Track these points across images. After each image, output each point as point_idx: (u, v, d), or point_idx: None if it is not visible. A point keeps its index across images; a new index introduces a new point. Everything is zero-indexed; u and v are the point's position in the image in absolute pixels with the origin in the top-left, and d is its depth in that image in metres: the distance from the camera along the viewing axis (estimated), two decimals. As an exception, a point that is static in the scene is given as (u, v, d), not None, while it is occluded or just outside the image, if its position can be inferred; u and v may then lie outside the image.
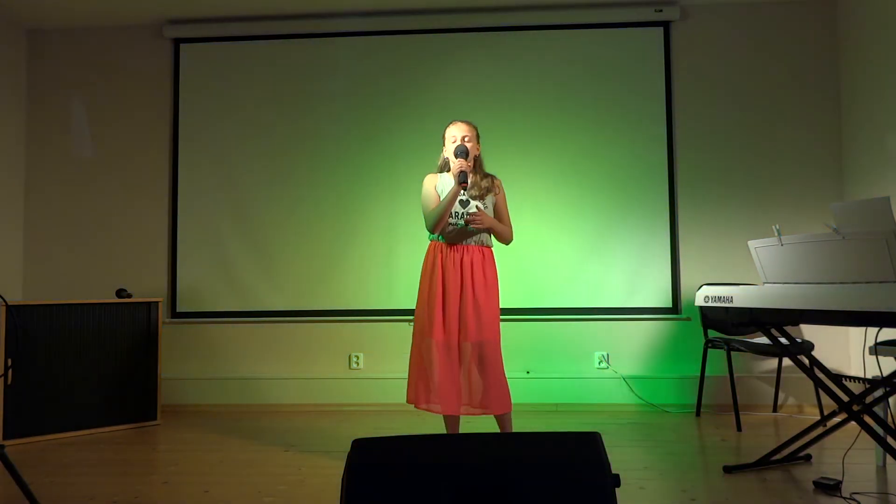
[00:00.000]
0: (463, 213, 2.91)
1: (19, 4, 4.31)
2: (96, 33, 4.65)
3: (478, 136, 3.03)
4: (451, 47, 4.48)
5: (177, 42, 4.61)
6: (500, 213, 3.05)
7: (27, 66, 4.67)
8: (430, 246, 2.99)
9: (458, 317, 2.85)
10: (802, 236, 2.51)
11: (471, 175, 2.92)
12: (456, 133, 2.96)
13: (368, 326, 4.38)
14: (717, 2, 4.33)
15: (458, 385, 2.84)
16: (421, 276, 2.99)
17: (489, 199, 2.99)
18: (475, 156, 3.00)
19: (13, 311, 3.56)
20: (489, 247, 2.99)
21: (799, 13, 4.31)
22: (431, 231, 2.96)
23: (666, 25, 4.38)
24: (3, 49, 4.49)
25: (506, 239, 3.06)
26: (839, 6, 4.25)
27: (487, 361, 2.84)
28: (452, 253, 2.91)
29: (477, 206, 2.93)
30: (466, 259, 2.90)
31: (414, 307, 2.99)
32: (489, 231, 2.98)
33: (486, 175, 3.03)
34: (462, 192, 2.91)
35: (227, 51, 4.58)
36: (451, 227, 2.92)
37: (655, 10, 4.31)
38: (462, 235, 2.92)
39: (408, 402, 2.91)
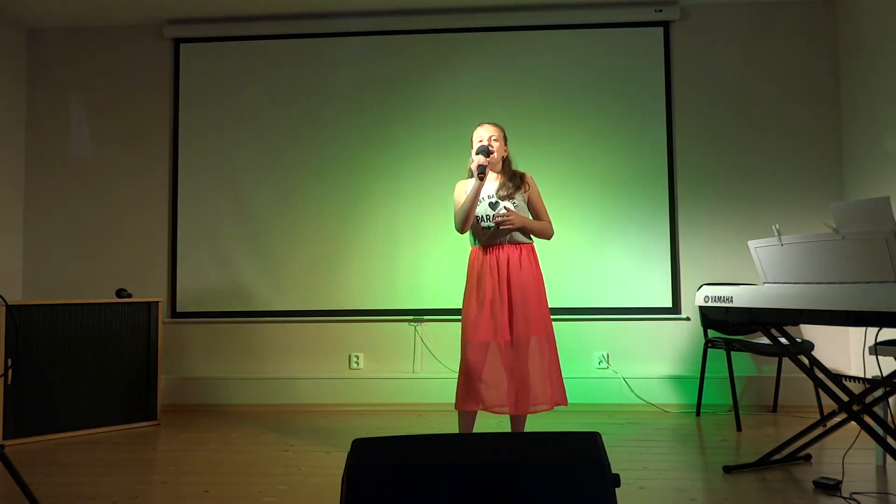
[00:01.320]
0: (493, 215, 2.92)
1: (19, 4, 4.31)
2: (96, 33, 4.65)
3: (505, 137, 3.06)
4: (451, 48, 4.48)
5: (177, 42, 4.61)
6: (535, 209, 3.06)
7: (27, 66, 4.67)
8: (471, 252, 3.02)
9: (503, 317, 2.86)
10: (802, 236, 2.51)
11: (489, 168, 2.92)
12: (483, 134, 3.00)
13: (368, 326, 4.38)
14: (717, 2, 4.33)
15: (477, 384, 2.84)
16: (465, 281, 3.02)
17: (519, 198, 2.98)
18: (503, 156, 3.03)
19: (13, 311, 3.56)
20: (526, 243, 2.97)
21: (799, 13, 4.31)
22: (460, 230, 2.98)
23: (666, 25, 4.38)
24: (3, 49, 4.49)
25: (544, 234, 3.05)
26: (839, 6, 4.25)
27: (518, 360, 2.84)
28: (489, 255, 2.93)
29: (505, 207, 2.93)
30: (503, 259, 2.91)
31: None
32: (522, 230, 2.95)
33: (515, 174, 3.04)
34: (490, 195, 2.94)
35: (227, 51, 4.58)
36: (484, 231, 2.95)
37: (655, 10, 4.31)
38: (495, 236, 2.93)
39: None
